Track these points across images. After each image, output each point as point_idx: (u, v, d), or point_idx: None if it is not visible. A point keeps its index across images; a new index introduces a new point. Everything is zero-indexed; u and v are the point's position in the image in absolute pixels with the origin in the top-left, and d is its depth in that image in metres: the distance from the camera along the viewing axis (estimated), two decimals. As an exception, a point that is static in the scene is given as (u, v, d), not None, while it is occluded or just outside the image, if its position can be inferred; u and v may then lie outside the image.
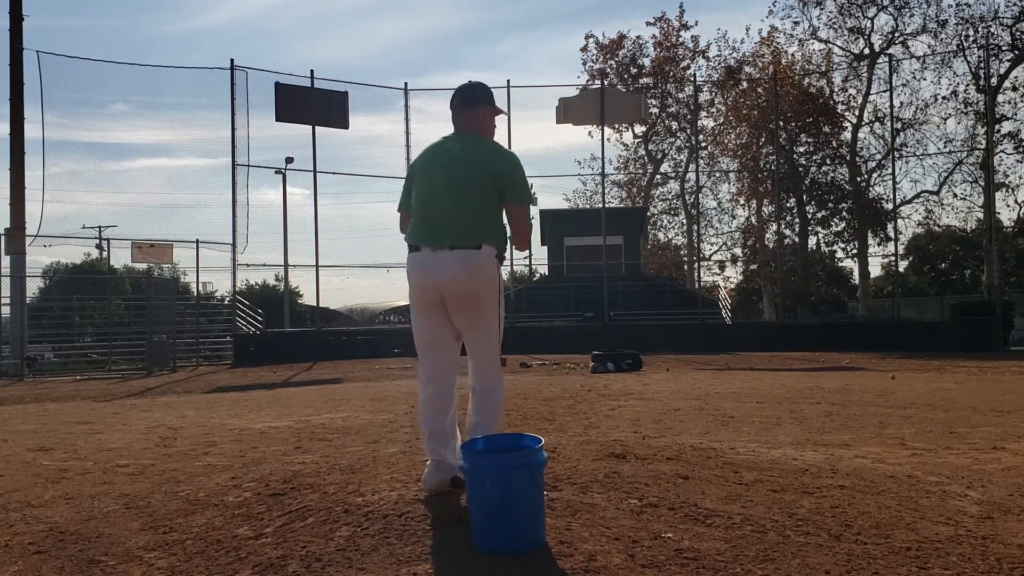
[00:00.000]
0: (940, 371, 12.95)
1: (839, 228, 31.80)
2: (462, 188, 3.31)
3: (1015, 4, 28.78)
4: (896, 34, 30.89)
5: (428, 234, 3.32)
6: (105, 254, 30.27)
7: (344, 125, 22.40)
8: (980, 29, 29.14)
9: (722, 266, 37.82)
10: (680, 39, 35.12)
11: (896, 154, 26.95)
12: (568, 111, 23.75)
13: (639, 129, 36.21)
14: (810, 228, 31.78)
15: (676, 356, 17.63)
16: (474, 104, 3.47)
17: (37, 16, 77.21)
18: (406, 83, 25.00)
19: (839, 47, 32.16)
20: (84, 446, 5.72)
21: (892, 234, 27.44)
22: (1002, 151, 29.52)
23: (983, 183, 27.62)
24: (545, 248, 29.98)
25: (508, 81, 23.75)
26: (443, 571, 2.61)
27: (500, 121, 3.84)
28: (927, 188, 31.87)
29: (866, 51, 31.26)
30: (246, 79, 21.25)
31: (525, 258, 35.73)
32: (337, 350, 20.67)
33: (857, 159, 30.68)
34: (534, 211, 30.92)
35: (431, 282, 3.30)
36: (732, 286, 39.39)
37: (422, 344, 3.45)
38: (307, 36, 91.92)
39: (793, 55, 32.55)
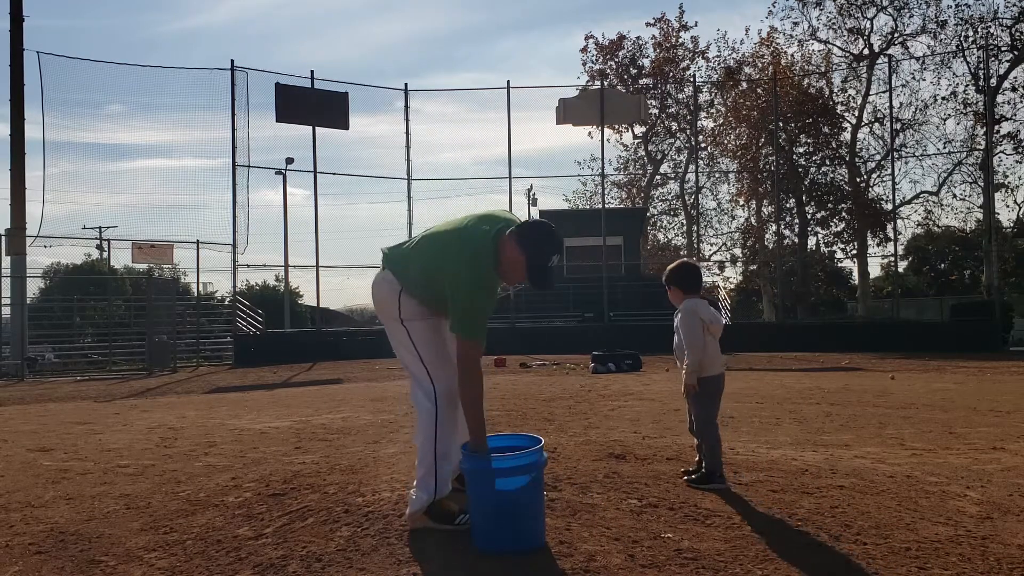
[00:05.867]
0: (940, 371, 12.94)
1: (838, 228, 31.79)
2: None
3: (1014, 5, 28.78)
4: (895, 35, 30.90)
5: None
6: (105, 254, 30.28)
7: (344, 126, 22.39)
8: (979, 30, 29.15)
9: (722, 266, 37.79)
10: (680, 40, 35.13)
11: (895, 155, 26.94)
12: (568, 112, 23.74)
13: (639, 130, 36.20)
14: (810, 228, 31.77)
15: (676, 356, 17.59)
16: None
17: (37, 16, 77.15)
18: (406, 84, 25.02)
19: (839, 48, 32.19)
20: (85, 446, 5.72)
21: (891, 234, 27.43)
22: (1001, 151, 29.51)
23: (982, 183, 27.62)
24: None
25: (508, 82, 23.75)
26: (443, 571, 2.61)
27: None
28: (926, 189, 31.91)
29: (865, 52, 31.26)
30: (246, 80, 21.26)
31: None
32: (337, 350, 20.65)
33: (857, 160, 30.65)
34: (534, 211, 30.53)
35: None
36: (732, 286, 39.37)
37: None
38: (307, 36, 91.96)
39: (793, 56, 32.56)
